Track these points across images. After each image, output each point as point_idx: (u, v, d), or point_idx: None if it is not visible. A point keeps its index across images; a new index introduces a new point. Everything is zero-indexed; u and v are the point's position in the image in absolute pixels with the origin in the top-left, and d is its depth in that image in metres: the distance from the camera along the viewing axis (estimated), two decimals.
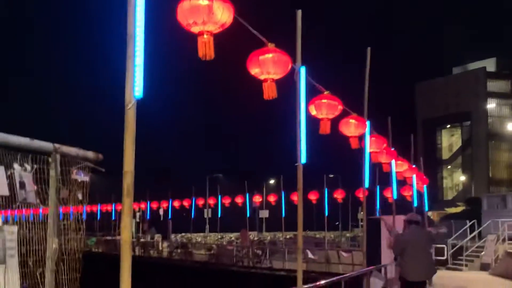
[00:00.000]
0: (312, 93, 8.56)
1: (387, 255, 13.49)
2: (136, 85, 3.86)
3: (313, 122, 8.97)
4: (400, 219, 12.42)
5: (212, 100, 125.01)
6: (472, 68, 73.62)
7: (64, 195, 4.36)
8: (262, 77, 6.68)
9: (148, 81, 4.02)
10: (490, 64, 73.20)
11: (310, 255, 25.23)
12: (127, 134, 3.88)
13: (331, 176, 45.68)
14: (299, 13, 7.94)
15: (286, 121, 7.75)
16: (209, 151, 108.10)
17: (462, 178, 72.74)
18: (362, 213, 18.06)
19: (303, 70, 7.64)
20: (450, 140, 75.96)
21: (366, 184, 12.14)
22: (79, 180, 4.49)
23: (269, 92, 6.63)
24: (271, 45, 6.67)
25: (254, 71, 6.69)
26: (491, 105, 69.11)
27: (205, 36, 5.04)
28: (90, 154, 4.41)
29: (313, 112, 8.75)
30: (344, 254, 24.78)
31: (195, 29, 5.08)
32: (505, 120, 67.74)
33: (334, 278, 9.47)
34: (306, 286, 7.68)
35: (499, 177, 70.21)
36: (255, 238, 41.02)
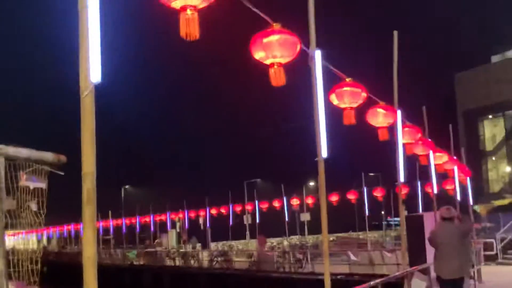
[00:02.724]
0: (331, 81, 7.74)
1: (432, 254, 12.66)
2: (92, 68, 3.16)
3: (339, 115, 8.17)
4: None
5: (211, 91, 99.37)
6: None
7: (10, 206, 3.62)
8: (267, 62, 5.94)
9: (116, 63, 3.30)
10: None
11: (352, 257, 24.43)
12: (84, 129, 3.18)
13: (371, 174, 44.60)
14: None
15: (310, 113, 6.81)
16: (236, 154, 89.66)
17: (508, 169, 70.26)
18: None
19: (318, 54, 6.81)
20: (493, 131, 73.54)
21: (401, 178, 11.21)
22: (31, 188, 3.76)
23: (277, 78, 5.87)
24: (276, 26, 5.91)
25: (258, 55, 5.95)
26: None
27: (188, 11, 4.34)
28: (48, 155, 3.69)
29: (335, 101, 7.95)
30: (388, 254, 23.96)
31: (176, 4, 4.38)
32: None
33: (371, 282, 8.70)
34: None
35: None
36: (296, 242, 40.21)
